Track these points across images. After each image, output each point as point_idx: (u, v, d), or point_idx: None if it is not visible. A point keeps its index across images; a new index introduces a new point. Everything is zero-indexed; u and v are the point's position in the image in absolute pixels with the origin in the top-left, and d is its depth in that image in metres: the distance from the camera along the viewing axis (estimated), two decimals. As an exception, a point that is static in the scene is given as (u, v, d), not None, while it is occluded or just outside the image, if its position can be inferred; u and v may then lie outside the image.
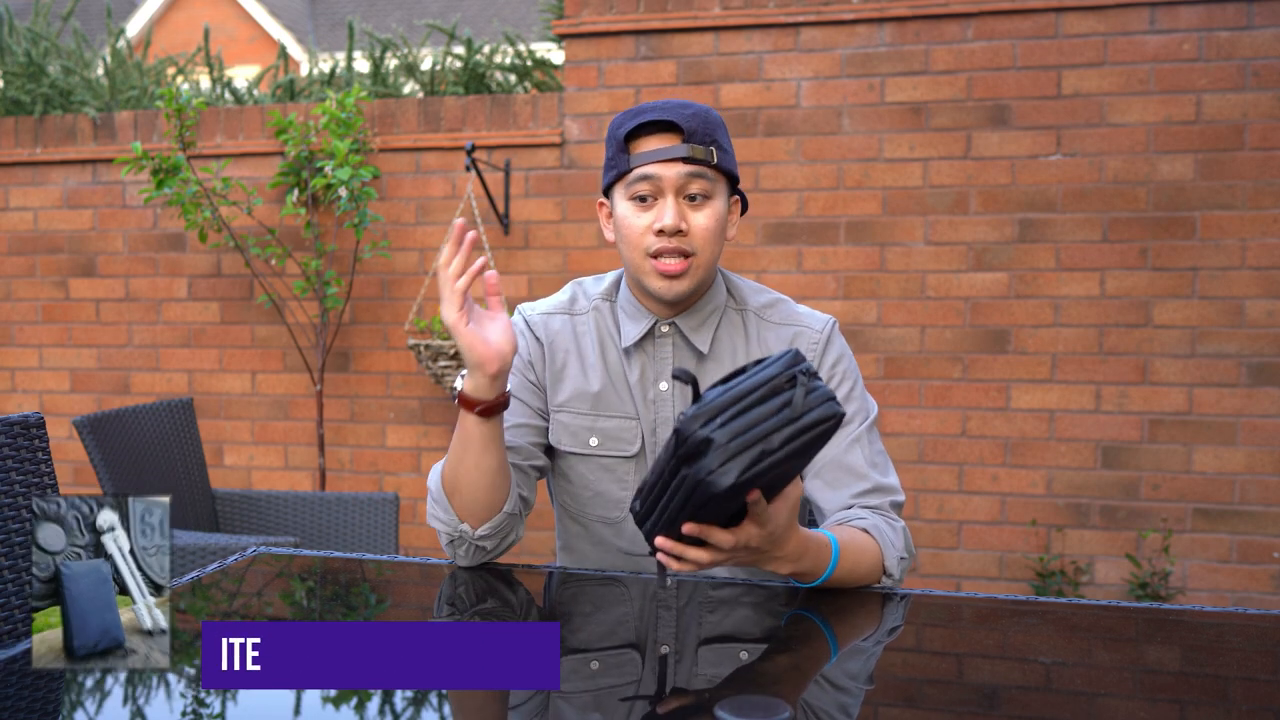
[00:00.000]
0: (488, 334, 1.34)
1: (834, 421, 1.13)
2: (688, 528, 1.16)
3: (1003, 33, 3.39)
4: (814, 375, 1.15)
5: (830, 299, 3.54)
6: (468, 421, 1.37)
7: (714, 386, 1.13)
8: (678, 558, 1.21)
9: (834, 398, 1.14)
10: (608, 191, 1.53)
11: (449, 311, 1.32)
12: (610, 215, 1.54)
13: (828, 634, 1.31)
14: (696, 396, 1.13)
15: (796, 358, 1.16)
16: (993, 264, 3.44)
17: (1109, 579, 3.42)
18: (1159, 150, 3.32)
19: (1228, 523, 3.34)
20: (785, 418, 1.10)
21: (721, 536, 1.19)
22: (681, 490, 1.11)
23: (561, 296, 1.62)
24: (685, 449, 1.10)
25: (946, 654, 1.26)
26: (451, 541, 1.46)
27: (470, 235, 1.31)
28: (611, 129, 1.50)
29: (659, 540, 1.19)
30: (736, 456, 1.08)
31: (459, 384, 1.38)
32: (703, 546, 1.20)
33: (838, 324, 1.59)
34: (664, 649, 1.21)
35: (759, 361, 1.16)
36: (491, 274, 1.34)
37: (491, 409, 1.37)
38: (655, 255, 1.46)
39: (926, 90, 3.44)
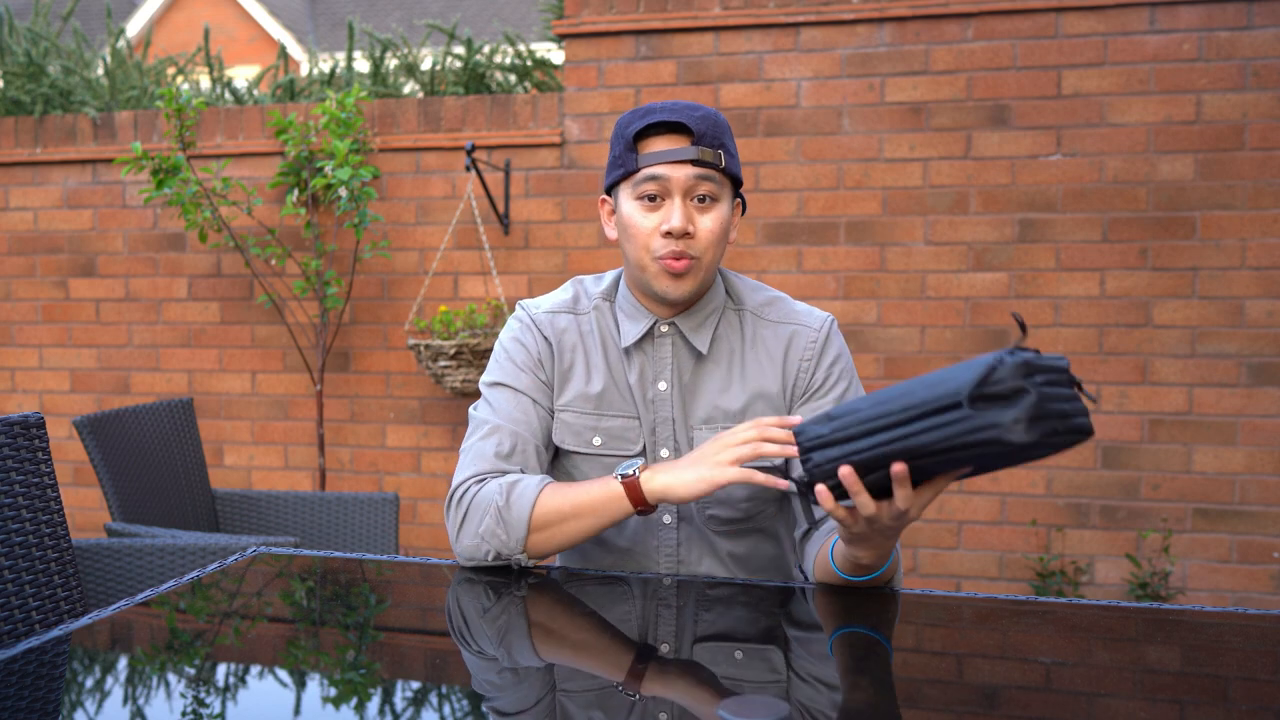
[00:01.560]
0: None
1: (1086, 436, 1.08)
2: (898, 469, 1.11)
3: (1003, 33, 3.39)
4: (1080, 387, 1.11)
5: (830, 299, 3.54)
6: (623, 507, 1.39)
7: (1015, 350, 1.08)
8: (839, 501, 1.19)
9: (1089, 414, 1.10)
10: (611, 189, 1.53)
11: (736, 472, 1.32)
12: (613, 213, 1.54)
13: (828, 633, 1.31)
14: (1024, 330, 1.07)
15: (1069, 366, 1.12)
16: (993, 264, 3.44)
17: (1109, 579, 3.42)
18: (1159, 150, 3.32)
19: (1228, 523, 3.34)
20: (1073, 408, 1.06)
21: (907, 495, 1.15)
22: (954, 427, 1.05)
23: (564, 295, 1.61)
24: (992, 386, 1.04)
25: (946, 654, 1.26)
26: (496, 556, 1.44)
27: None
28: (619, 127, 1.50)
29: (844, 471, 1.14)
30: (1043, 419, 1.03)
31: (631, 470, 1.39)
32: (873, 497, 1.17)
33: (836, 322, 1.59)
34: (665, 648, 1.21)
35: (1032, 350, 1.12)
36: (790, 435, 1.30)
37: (652, 511, 1.41)
38: (662, 258, 1.46)
39: (926, 90, 3.44)
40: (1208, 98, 3.28)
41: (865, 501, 1.17)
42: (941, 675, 1.17)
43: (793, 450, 1.27)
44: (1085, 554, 3.43)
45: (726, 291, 1.59)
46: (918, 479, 1.15)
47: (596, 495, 1.40)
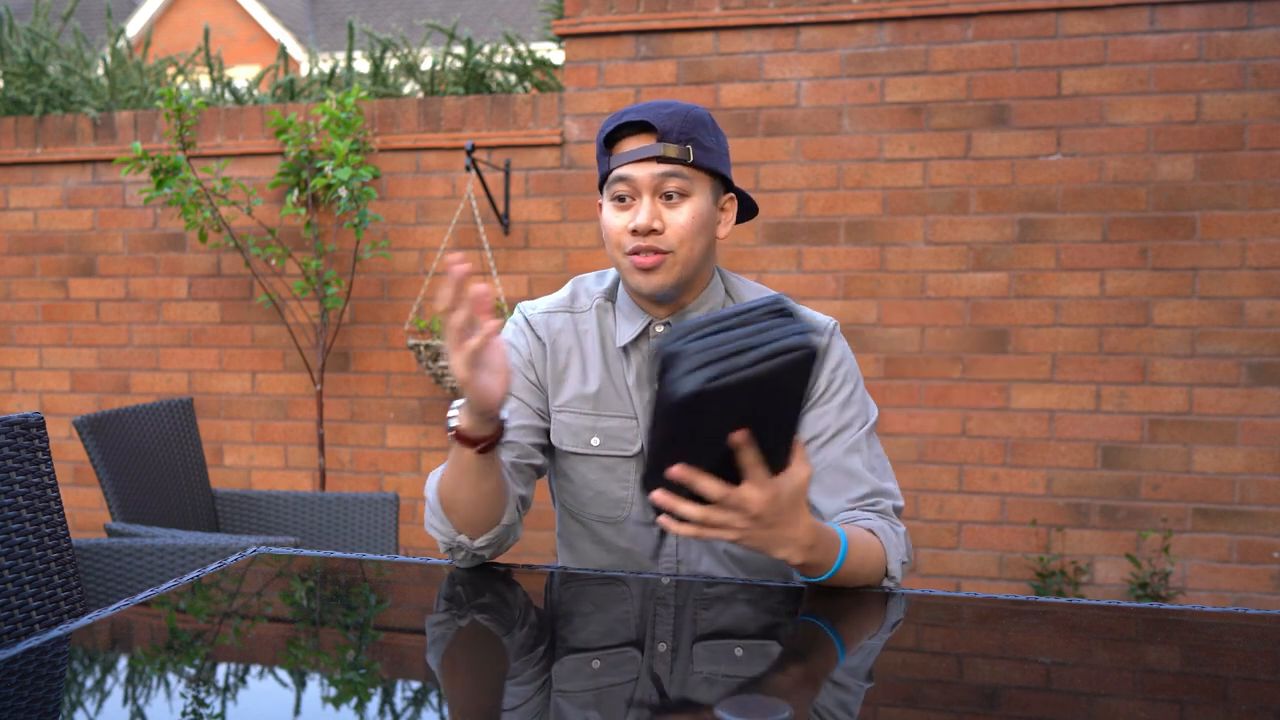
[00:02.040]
0: (490, 381, 1.28)
1: (805, 352, 1.09)
2: (674, 470, 1.12)
3: (1003, 33, 3.39)
4: (794, 316, 1.13)
5: (830, 299, 3.54)
6: (464, 455, 1.35)
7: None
8: (674, 516, 1.17)
9: (809, 332, 1.10)
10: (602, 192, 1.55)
11: (458, 364, 1.25)
12: None
13: (828, 633, 1.31)
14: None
15: (779, 301, 1.13)
16: (993, 264, 3.44)
17: (1109, 579, 3.42)
18: (1159, 150, 3.32)
19: (1228, 523, 3.34)
20: (759, 340, 1.08)
21: (708, 485, 1.14)
22: (660, 416, 1.09)
23: (562, 294, 1.62)
24: (658, 366, 1.08)
25: (946, 654, 1.26)
26: (450, 549, 1.47)
27: (461, 268, 1.22)
28: (599, 132, 1.51)
29: (655, 495, 1.16)
30: (703, 367, 1.06)
31: (453, 419, 1.35)
32: (695, 501, 1.16)
33: (839, 326, 1.58)
34: (663, 648, 1.21)
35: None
36: (480, 289, 1.25)
37: (491, 444, 1.35)
38: (631, 253, 1.47)
39: (926, 90, 3.44)
40: (1208, 98, 3.28)
41: (689, 510, 1.17)
42: (941, 675, 1.17)
43: (479, 290, 1.24)
44: (1085, 554, 3.43)
45: (727, 292, 1.59)
46: (723, 472, 1.16)
47: (452, 454, 1.38)
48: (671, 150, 1.44)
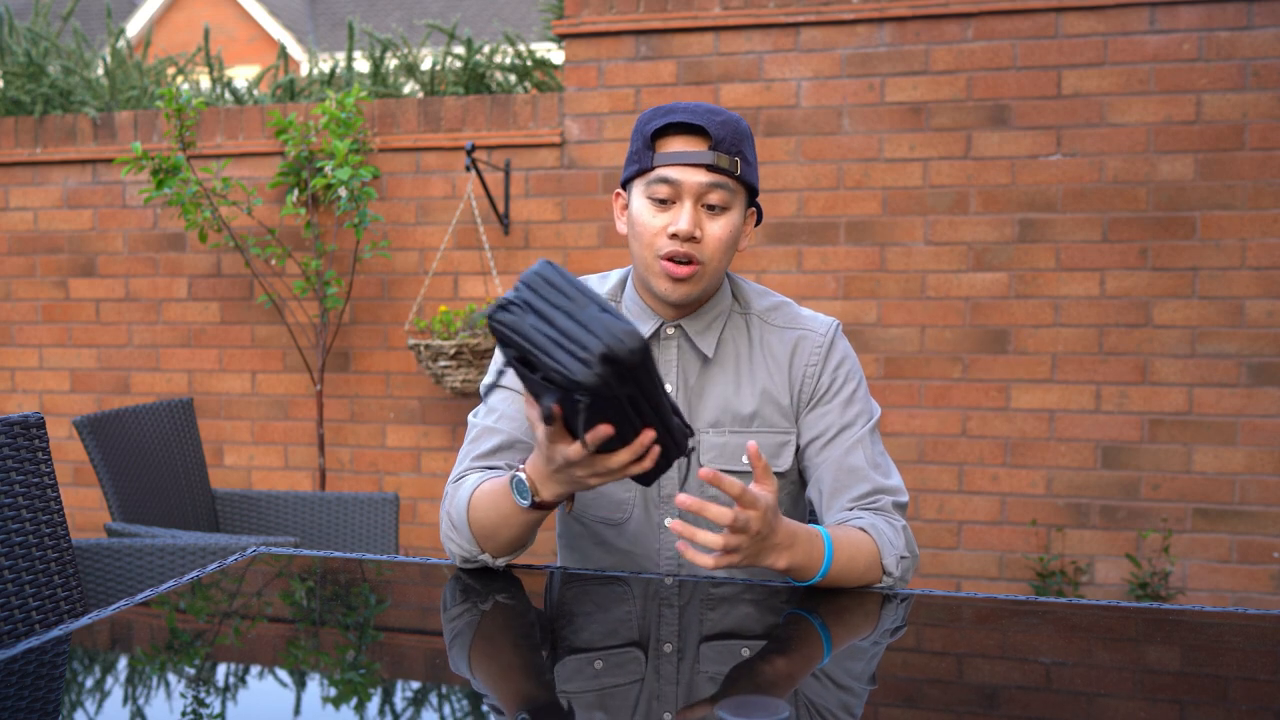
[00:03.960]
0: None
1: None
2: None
3: (1003, 33, 3.39)
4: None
5: (830, 299, 3.54)
6: (532, 514, 1.35)
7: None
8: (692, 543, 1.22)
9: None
10: (626, 184, 1.53)
11: (606, 476, 1.24)
12: (626, 207, 1.53)
13: (828, 633, 1.31)
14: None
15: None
16: (993, 264, 3.44)
17: (1109, 579, 3.42)
18: (1159, 150, 3.32)
19: (1228, 523, 3.34)
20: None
21: (718, 512, 1.21)
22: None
23: None
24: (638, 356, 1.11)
25: (946, 654, 1.26)
26: (466, 561, 1.46)
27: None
28: (639, 123, 1.50)
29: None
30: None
31: (528, 495, 1.32)
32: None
33: (841, 326, 1.59)
34: (666, 648, 1.21)
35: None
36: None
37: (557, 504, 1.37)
38: (665, 257, 1.46)
39: (926, 90, 3.44)
40: (1208, 98, 3.28)
41: (709, 539, 1.21)
42: (941, 675, 1.17)
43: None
44: (1085, 554, 3.43)
45: (734, 295, 1.58)
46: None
47: (508, 506, 1.36)
48: (723, 160, 1.43)
